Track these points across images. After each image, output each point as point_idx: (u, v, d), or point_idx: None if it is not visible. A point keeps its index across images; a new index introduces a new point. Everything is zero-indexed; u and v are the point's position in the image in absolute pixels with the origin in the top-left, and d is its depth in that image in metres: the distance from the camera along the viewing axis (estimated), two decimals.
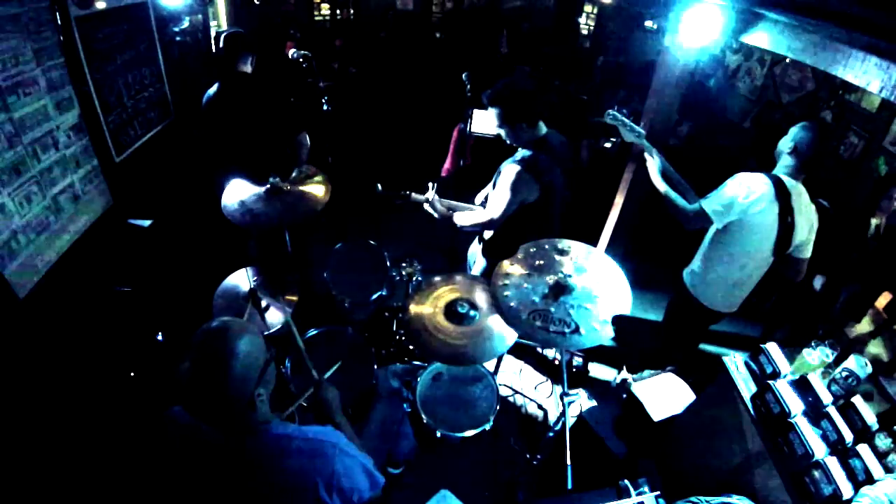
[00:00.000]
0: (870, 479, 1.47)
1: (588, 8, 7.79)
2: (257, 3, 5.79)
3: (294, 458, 1.13)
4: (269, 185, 2.33)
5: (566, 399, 1.97)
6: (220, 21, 5.45)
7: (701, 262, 2.41)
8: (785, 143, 2.13)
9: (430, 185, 2.57)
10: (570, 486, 1.81)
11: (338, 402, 1.53)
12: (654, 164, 2.44)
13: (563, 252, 2.03)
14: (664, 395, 2.30)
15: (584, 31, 7.95)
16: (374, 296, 2.58)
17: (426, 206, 2.58)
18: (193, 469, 1.15)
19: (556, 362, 3.12)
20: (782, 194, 2.07)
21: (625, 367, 2.37)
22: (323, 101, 3.06)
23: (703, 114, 5.04)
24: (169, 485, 1.20)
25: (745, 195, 2.10)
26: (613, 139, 4.87)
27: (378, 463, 1.85)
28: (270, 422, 1.16)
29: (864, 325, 2.62)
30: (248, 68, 2.84)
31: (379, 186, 2.71)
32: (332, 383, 1.60)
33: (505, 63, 6.70)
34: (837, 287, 2.98)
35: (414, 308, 2.10)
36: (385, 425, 1.95)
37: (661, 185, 2.39)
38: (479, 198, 2.74)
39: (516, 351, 3.01)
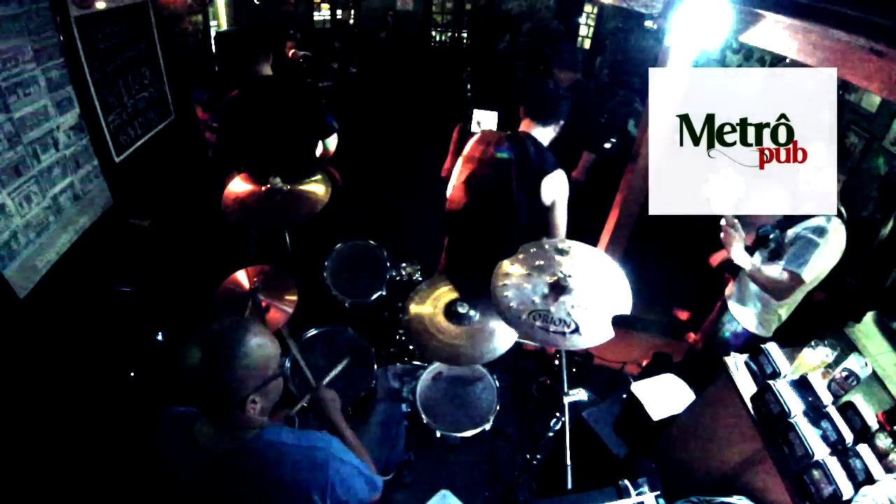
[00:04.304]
0: (870, 479, 1.47)
1: (588, 8, 7.79)
2: (257, 3, 5.79)
3: (286, 467, 1.11)
4: (269, 185, 2.32)
5: (566, 399, 1.97)
6: (220, 21, 5.46)
7: (761, 302, 2.24)
8: None
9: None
10: (570, 486, 1.81)
11: (336, 403, 1.51)
12: (739, 238, 2.04)
13: (562, 252, 2.03)
14: (664, 394, 2.30)
15: (584, 31, 7.95)
16: (374, 296, 2.58)
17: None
18: (185, 472, 1.15)
19: (556, 362, 3.12)
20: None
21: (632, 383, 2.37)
22: (323, 100, 3.05)
23: None
24: (162, 487, 1.20)
25: (840, 250, 1.99)
26: (613, 139, 4.86)
27: (378, 467, 1.84)
28: (264, 427, 1.14)
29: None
30: (267, 69, 2.66)
31: None
32: (333, 383, 1.60)
33: (505, 62, 6.71)
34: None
35: (414, 308, 2.10)
36: (385, 428, 1.95)
37: (748, 263, 2.03)
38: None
39: (517, 351, 3.01)
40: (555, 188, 2.18)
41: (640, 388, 2.32)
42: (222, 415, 1.10)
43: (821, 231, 1.96)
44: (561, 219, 2.26)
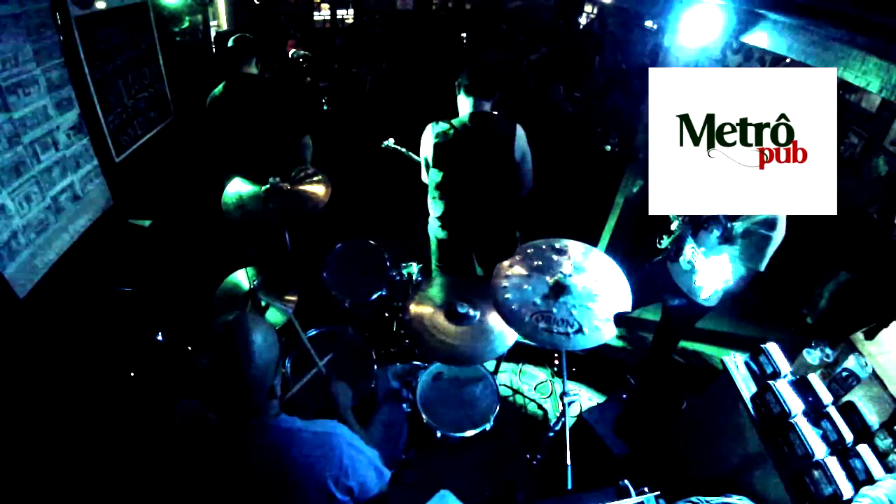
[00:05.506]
0: (870, 479, 1.47)
1: (588, 8, 7.79)
2: (257, 2, 5.78)
3: (302, 452, 1.14)
4: (269, 185, 2.33)
5: (566, 399, 1.97)
6: (220, 21, 5.44)
7: None
8: None
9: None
10: (570, 486, 1.80)
11: (348, 397, 1.55)
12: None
13: (561, 252, 2.03)
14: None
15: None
16: (374, 296, 2.58)
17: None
18: (200, 462, 1.16)
19: (556, 362, 3.12)
20: None
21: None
22: (323, 101, 3.06)
23: None
24: (176, 478, 1.20)
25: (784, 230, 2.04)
26: (613, 140, 4.87)
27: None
28: (279, 415, 1.17)
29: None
30: (252, 69, 2.87)
31: (391, 141, 2.68)
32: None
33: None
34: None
35: (414, 308, 2.10)
36: (388, 428, 1.95)
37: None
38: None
39: (516, 351, 3.01)
40: (522, 142, 2.39)
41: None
42: (252, 410, 1.11)
43: (771, 224, 2.01)
44: (528, 167, 2.48)
